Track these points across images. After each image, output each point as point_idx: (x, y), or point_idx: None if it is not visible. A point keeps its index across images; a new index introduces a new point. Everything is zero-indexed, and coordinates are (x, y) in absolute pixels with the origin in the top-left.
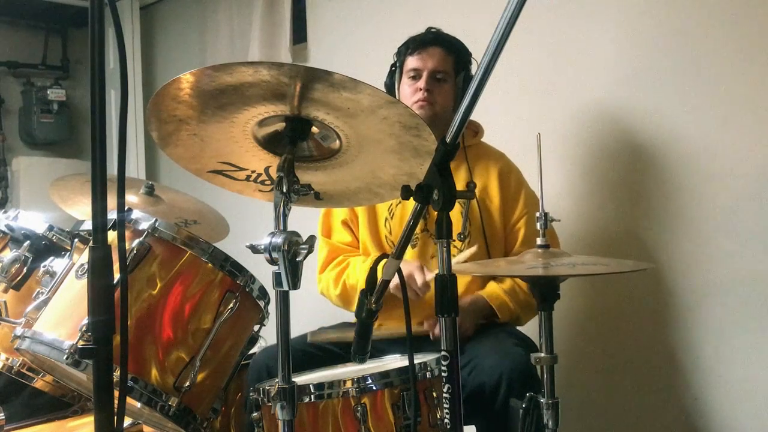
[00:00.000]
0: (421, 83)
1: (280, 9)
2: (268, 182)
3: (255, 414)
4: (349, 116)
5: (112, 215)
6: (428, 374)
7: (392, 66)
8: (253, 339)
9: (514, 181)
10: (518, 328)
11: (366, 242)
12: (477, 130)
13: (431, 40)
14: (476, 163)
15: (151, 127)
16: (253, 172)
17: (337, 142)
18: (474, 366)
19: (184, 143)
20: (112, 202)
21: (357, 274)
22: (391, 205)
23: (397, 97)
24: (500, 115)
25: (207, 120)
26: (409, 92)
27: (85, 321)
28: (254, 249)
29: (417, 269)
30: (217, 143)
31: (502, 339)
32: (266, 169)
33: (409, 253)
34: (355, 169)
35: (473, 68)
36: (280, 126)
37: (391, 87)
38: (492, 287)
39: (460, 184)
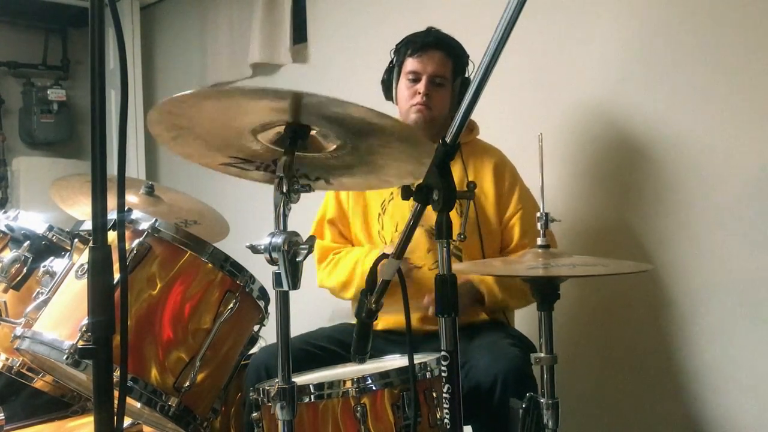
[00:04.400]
0: (421, 87)
1: (280, 9)
2: None
3: (255, 414)
4: (344, 126)
5: (112, 215)
6: (428, 374)
7: (390, 63)
8: (253, 339)
9: (508, 176)
10: (516, 327)
11: (358, 237)
12: (473, 127)
13: (432, 43)
14: (471, 159)
15: (154, 132)
16: (261, 163)
17: (338, 141)
18: (470, 367)
19: (190, 145)
20: (112, 202)
21: (347, 261)
22: (384, 200)
23: (394, 96)
24: (499, 115)
25: (209, 124)
26: (407, 94)
27: (85, 321)
28: (254, 249)
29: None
30: (221, 142)
31: (497, 339)
32: (274, 161)
33: None
34: (357, 166)
35: (470, 70)
36: (280, 128)
37: (388, 84)
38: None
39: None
